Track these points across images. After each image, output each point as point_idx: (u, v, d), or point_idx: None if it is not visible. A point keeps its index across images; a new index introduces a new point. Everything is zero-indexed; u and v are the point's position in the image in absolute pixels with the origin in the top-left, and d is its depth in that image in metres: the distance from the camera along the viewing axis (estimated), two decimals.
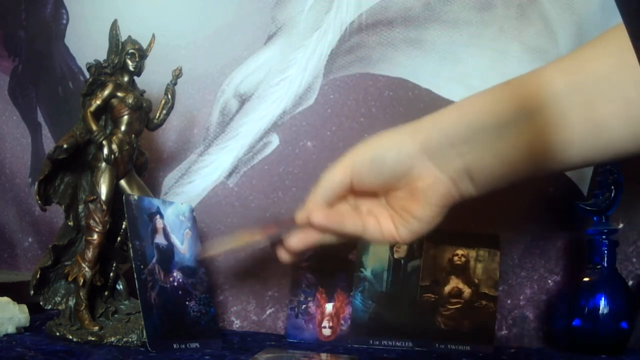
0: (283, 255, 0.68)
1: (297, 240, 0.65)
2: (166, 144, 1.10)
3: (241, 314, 1.05)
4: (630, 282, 0.99)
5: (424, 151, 0.57)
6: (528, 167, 0.58)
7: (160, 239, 0.84)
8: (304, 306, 0.96)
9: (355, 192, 0.63)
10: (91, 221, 0.84)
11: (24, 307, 0.85)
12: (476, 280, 0.94)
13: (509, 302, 1.01)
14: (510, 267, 1.01)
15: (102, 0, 1.14)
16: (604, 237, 0.92)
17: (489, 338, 0.92)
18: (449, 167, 0.57)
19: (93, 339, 0.81)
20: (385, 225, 0.61)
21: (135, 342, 0.81)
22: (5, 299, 0.83)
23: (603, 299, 0.89)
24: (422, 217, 0.58)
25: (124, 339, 0.81)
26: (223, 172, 1.08)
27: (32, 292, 0.86)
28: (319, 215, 0.61)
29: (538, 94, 0.55)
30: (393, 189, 0.60)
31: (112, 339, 0.81)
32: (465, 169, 0.57)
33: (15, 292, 0.88)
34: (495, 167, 0.58)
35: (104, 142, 0.84)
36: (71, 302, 0.86)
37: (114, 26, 0.88)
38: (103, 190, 0.85)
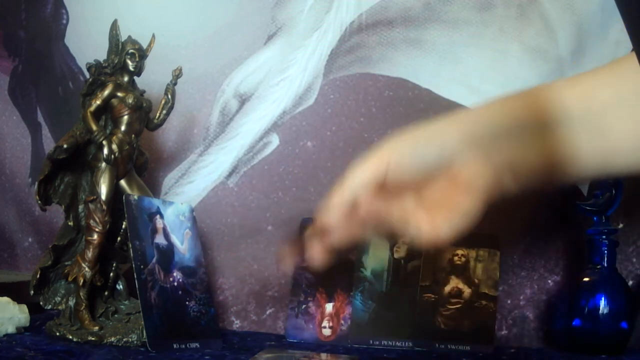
0: (317, 255, 0.60)
1: (338, 235, 0.57)
2: (166, 144, 1.10)
3: (241, 314, 1.05)
4: (630, 282, 0.99)
5: (468, 142, 0.55)
6: (545, 175, 0.59)
7: (160, 239, 0.84)
8: (304, 306, 0.96)
9: (384, 188, 0.58)
10: (91, 221, 0.84)
11: (24, 307, 0.85)
12: (476, 280, 0.94)
13: (509, 302, 1.01)
14: (510, 267, 1.01)
15: (102, 0, 1.14)
16: (604, 237, 0.92)
17: (489, 338, 0.91)
18: (493, 159, 0.55)
19: (93, 339, 0.81)
20: (423, 223, 0.56)
21: (135, 342, 0.81)
22: (5, 299, 0.83)
23: (603, 299, 0.89)
24: (466, 210, 0.55)
25: (124, 339, 0.81)
26: (223, 172, 1.08)
27: (32, 292, 0.86)
28: (368, 200, 0.56)
29: (550, 110, 0.55)
30: (431, 183, 0.56)
31: (112, 339, 0.81)
32: (509, 162, 0.56)
33: (15, 292, 0.88)
34: (535, 165, 0.57)
35: (104, 142, 0.84)
36: (71, 302, 0.86)
37: (114, 26, 0.88)
38: (103, 190, 0.85)
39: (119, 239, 0.89)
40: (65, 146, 0.83)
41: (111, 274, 0.89)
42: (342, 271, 0.97)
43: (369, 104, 1.06)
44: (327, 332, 0.94)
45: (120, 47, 0.87)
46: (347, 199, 0.57)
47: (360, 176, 0.57)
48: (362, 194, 0.56)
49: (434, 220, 0.55)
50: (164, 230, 0.85)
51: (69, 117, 1.12)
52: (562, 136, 0.55)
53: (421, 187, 0.57)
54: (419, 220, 0.56)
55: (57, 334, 0.82)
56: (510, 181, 0.58)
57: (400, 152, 0.56)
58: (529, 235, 1.02)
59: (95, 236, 0.84)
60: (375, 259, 0.95)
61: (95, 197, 0.84)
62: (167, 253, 0.84)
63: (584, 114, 0.55)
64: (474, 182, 0.55)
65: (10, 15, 1.22)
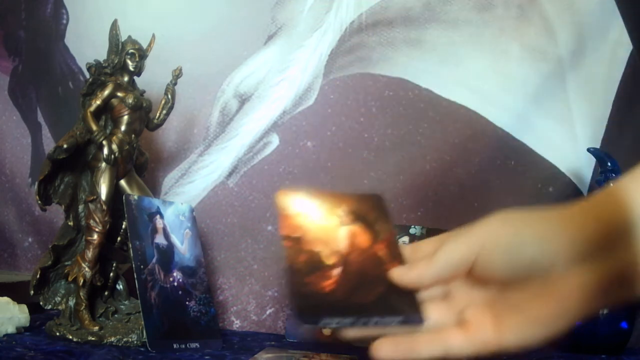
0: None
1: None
2: (166, 144, 1.10)
3: (241, 314, 1.05)
4: None
5: (573, 249, 0.46)
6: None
7: (160, 239, 0.84)
8: None
9: (468, 276, 0.51)
10: (91, 221, 0.84)
11: (24, 307, 0.85)
12: None
13: None
14: None
15: (102, 0, 1.14)
16: None
17: None
18: (601, 268, 0.46)
19: (93, 339, 0.81)
20: (482, 326, 0.49)
21: (135, 342, 0.81)
22: (5, 299, 0.83)
23: None
24: (550, 323, 0.47)
25: (124, 339, 0.81)
26: (223, 172, 1.08)
27: (32, 292, 0.86)
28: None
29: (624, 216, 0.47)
30: (521, 283, 0.48)
31: (112, 339, 0.81)
32: (618, 272, 0.46)
33: (15, 292, 0.88)
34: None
35: (104, 142, 0.84)
36: (71, 302, 0.86)
37: (114, 26, 0.88)
38: (103, 190, 0.85)
39: (119, 239, 0.89)
40: (65, 146, 0.83)
41: (111, 274, 0.89)
42: None
43: (369, 104, 1.06)
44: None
45: (120, 47, 0.87)
46: (430, 278, 0.49)
47: (449, 256, 0.49)
48: (447, 275, 0.49)
49: (501, 324, 0.48)
50: (164, 230, 0.85)
51: (69, 117, 1.12)
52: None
53: (511, 284, 0.48)
54: (475, 324, 0.49)
55: (57, 334, 0.82)
56: (621, 291, 0.47)
57: (496, 240, 0.48)
58: None
59: (95, 236, 0.84)
60: None
61: (95, 197, 0.84)
62: (167, 253, 0.84)
63: None
64: (573, 294, 0.47)
65: (10, 15, 1.22)
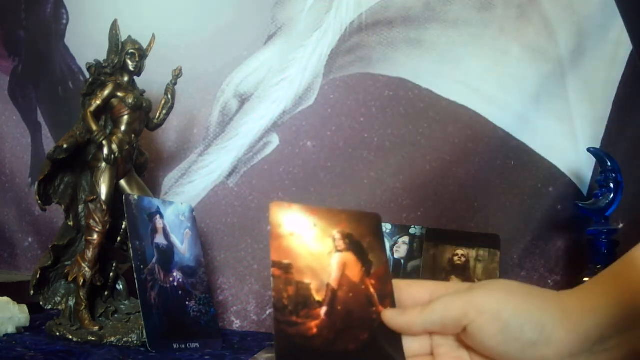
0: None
1: None
2: (166, 144, 1.10)
3: (241, 314, 1.04)
4: None
5: (570, 346, 0.44)
6: None
7: (160, 239, 0.84)
8: None
9: (458, 337, 0.48)
10: (91, 221, 0.84)
11: (24, 307, 0.85)
12: (476, 280, 0.94)
13: None
14: (510, 267, 1.01)
15: (102, 0, 1.14)
16: (604, 237, 0.92)
17: None
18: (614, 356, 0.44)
19: (93, 339, 0.81)
20: None
21: (135, 342, 0.81)
22: (5, 299, 0.83)
23: None
24: None
25: (124, 339, 0.81)
26: (223, 172, 1.08)
27: (32, 292, 0.86)
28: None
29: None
30: (512, 357, 0.45)
31: (112, 339, 0.81)
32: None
33: (15, 292, 0.88)
34: None
35: (104, 142, 0.84)
36: (71, 302, 0.86)
37: (114, 26, 0.88)
38: (103, 190, 0.85)
39: (119, 239, 0.89)
40: (65, 146, 0.83)
41: (111, 274, 0.89)
42: None
43: (369, 104, 1.06)
44: None
45: (120, 47, 0.87)
46: (423, 326, 0.47)
47: (442, 313, 0.47)
48: (438, 328, 0.47)
49: None
50: (164, 230, 0.85)
51: (69, 117, 1.12)
52: None
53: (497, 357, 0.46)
54: None
55: (57, 334, 0.82)
56: None
57: (495, 314, 0.45)
58: (529, 235, 1.02)
59: (95, 236, 0.84)
60: None
61: (95, 197, 0.84)
62: (167, 253, 0.84)
63: None
64: None
65: (10, 15, 1.22)
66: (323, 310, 0.47)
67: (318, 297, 0.47)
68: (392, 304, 0.49)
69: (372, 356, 0.47)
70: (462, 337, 0.47)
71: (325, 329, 0.46)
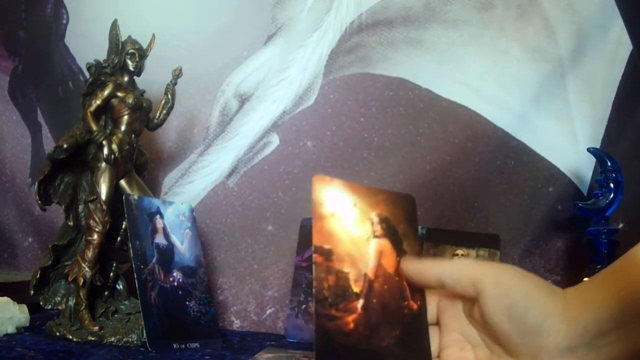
0: None
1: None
2: (166, 144, 1.10)
3: (241, 314, 1.05)
4: None
5: (568, 340, 0.45)
6: None
7: (160, 239, 0.84)
8: (304, 306, 0.96)
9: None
10: (91, 221, 0.84)
11: (24, 307, 0.85)
12: None
13: None
14: None
15: (102, 0, 1.14)
16: (604, 237, 0.92)
17: None
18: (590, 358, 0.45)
19: (93, 339, 0.81)
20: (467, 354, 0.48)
21: (135, 342, 0.81)
22: (5, 299, 0.83)
23: None
24: None
25: (124, 339, 0.81)
26: (223, 172, 1.08)
27: (32, 292, 0.86)
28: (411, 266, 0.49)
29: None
30: (511, 340, 0.46)
31: (112, 339, 0.81)
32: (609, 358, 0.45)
33: (15, 292, 0.88)
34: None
35: (104, 142, 0.84)
36: (71, 302, 0.86)
37: (114, 26, 0.88)
38: (103, 190, 0.85)
39: (119, 239, 0.89)
40: (65, 146, 0.83)
41: (111, 274, 0.89)
42: None
43: (369, 104, 1.06)
44: None
45: (120, 47, 0.87)
46: (438, 275, 0.48)
47: (462, 267, 0.48)
48: (451, 282, 0.48)
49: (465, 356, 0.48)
50: (164, 230, 0.85)
51: (69, 117, 1.12)
52: None
53: (503, 337, 0.47)
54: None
55: (57, 334, 0.82)
56: None
57: (505, 290, 0.46)
58: (529, 235, 1.02)
59: (95, 236, 0.84)
60: None
61: (95, 197, 0.84)
62: (167, 253, 0.84)
63: None
64: None
65: (10, 15, 1.22)
66: (360, 303, 0.45)
67: (356, 289, 0.45)
68: (423, 299, 0.48)
69: (403, 354, 0.45)
70: (472, 309, 0.48)
71: (361, 324, 0.44)
